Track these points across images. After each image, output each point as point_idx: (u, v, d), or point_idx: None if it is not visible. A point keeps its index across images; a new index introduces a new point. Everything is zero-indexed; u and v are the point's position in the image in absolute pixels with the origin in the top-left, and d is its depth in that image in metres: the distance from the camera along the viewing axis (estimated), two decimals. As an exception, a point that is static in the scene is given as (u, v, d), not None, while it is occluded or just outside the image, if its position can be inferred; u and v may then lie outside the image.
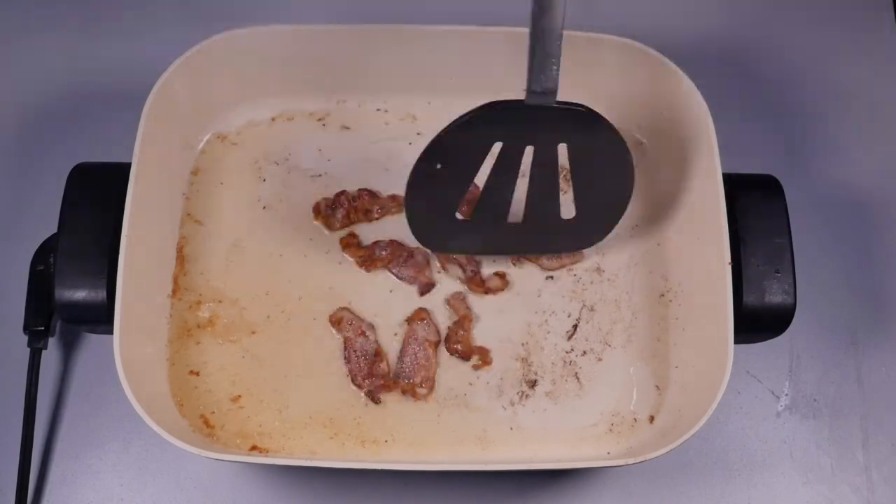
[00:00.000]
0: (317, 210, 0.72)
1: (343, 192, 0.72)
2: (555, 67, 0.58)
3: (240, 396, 0.67)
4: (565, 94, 0.75)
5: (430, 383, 0.68)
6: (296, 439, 0.66)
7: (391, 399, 0.68)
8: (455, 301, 0.70)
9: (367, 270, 0.70)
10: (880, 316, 0.77)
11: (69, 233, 0.64)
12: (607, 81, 0.73)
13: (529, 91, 0.59)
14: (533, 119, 0.60)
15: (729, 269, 0.63)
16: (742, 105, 0.82)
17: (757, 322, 0.65)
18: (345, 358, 0.68)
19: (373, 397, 0.67)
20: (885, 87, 0.84)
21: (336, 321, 0.69)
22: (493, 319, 0.70)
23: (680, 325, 0.69)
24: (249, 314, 0.69)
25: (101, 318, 0.63)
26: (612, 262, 0.72)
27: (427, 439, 0.67)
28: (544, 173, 0.64)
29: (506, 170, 0.64)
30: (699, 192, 0.68)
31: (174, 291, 0.69)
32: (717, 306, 0.63)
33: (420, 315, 0.69)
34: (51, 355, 0.73)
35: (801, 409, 0.74)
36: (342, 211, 0.71)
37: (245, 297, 0.70)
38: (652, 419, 0.67)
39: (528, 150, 0.63)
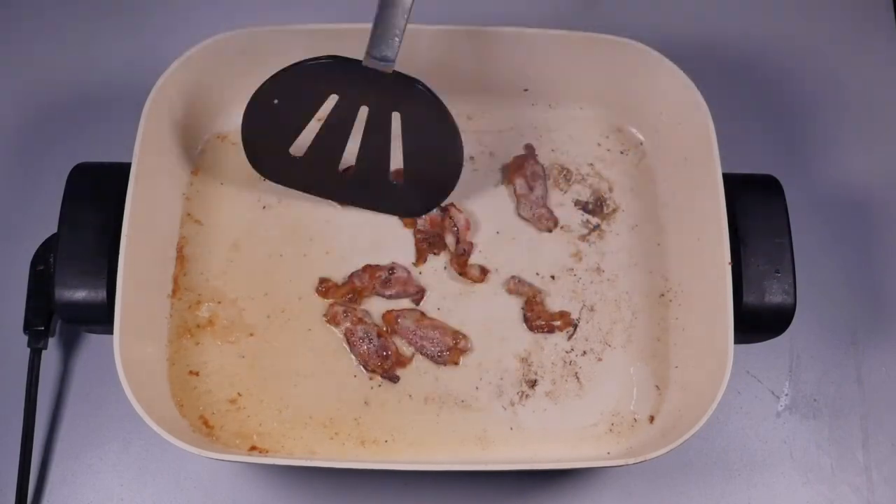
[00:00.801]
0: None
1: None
2: (397, 39, 0.61)
3: (239, 396, 0.67)
4: (566, 93, 0.75)
5: (459, 340, 0.68)
6: (296, 439, 0.66)
7: (391, 399, 0.68)
8: (515, 285, 0.70)
9: (359, 304, 0.70)
10: (880, 316, 0.77)
11: (69, 233, 0.64)
12: (607, 81, 0.73)
13: (368, 54, 0.62)
14: (368, 82, 0.63)
15: (729, 269, 0.63)
16: (742, 105, 0.82)
17: (757, 322, 0.65)
18: (351, 349, 0.68)
19: (390, 377, 0.67)
20: (885, 87, 0.84)
21: (332, 317, 0.69)
22: (493, 319, 0.70)
23: (680, 325, 0.69)
24: (249, 314, 0.69)
25: (101, 318, 0.63)
26: (612, 262, 0.72)
27: (427, 439, 0.67)
28: (376, 136, 0.67)
29: (339, 122, 0.67)
30: (699, 192, 0.68)
31: (174, 291, 0.69)
32: (717, 306, 0.63)
33: (388, 317, 0.69)
34: (51, 355, 0.73)
35: (801, 409, 0.74)
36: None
37: (245, 297, 0.70)
38: (652, 419, 0.67)
39: (364, 111, 0.66)
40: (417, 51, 0.71)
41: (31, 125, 0.81)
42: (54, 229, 0.65)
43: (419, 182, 0.70)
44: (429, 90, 0.64)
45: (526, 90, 0.75)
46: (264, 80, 0.65)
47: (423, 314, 0.69)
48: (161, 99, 0.67)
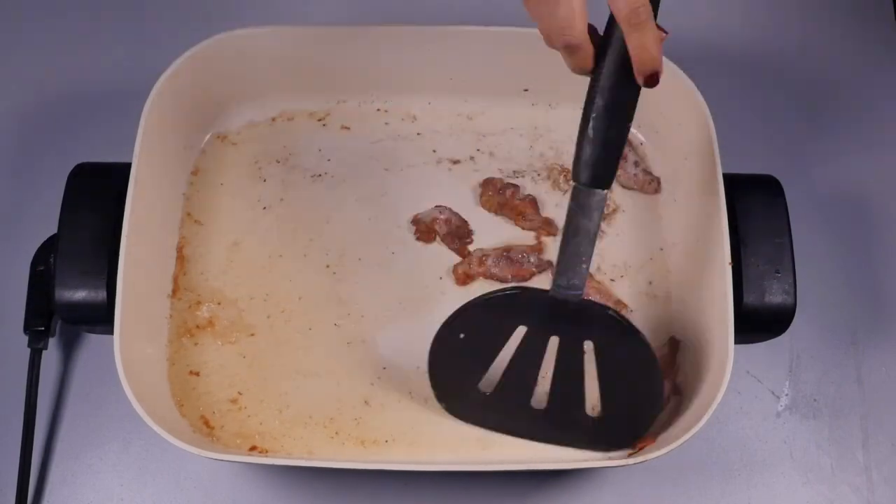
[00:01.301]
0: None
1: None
2: (584, 266, 0.58)
3: (240, 396, 0.67)
4: (566, 93, 0.75)
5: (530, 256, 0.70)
6: (296, 439, 0.66)
7: (391, 399, 0.68)
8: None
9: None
10: (880, 316, 0.77)
11: (69, 233, 0.64)
12: (607, 81, 0.73)
13: (555, 284, 0.59)
14: (558, 311, 0.60)
15: (729, 269, 0.63)
16: (742, 105, 0.82)
17: (757, 322, 0.65)
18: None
19: (543, 266, 0.69)
20: (885, 88, 0.84)
21: (464, 278, 0.70)
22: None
23: (680, 325, 0.69)
24: (249, 314, 0.69)
25: (101, 318, 0.63)
26: (613, 262, 0.72)
27: (427, 439, 0.67)
28: (568, 366, 0.63)
29: (529, 355, 0.63)
30: (699, 192, 0.68)
31: (174, 291, 0.69)
32: (717, 306, 0.63)
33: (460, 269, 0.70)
34: (51, 355, 0.73)
35: (801, 409, 0.74)
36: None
37: (245, 297, 0.70)
38: (652, 419, 0.67)
39: (554, 340, 0.63)
40: (418, 51, 0.72)
41: (31, 125, 0.81)
42: (54, 229, 0.65)
43: (617, 415, 0.65)
44: (621, 316, 0.61)
45: (526, 90, 0.75)
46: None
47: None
48: (161, 99, 0.67)
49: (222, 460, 0.66)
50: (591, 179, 0.55)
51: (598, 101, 0.54)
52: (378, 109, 0.75)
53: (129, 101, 0.68)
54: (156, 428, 0.59)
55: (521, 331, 0.62)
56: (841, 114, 0.83)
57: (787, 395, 0.74)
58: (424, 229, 0.71)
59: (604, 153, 0.55)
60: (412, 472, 0.71)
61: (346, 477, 0.71)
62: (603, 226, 0.72)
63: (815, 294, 0.75)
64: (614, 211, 0.73)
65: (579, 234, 0.57)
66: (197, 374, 0.68)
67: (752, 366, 0.75)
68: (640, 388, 0.63)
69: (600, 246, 0.72)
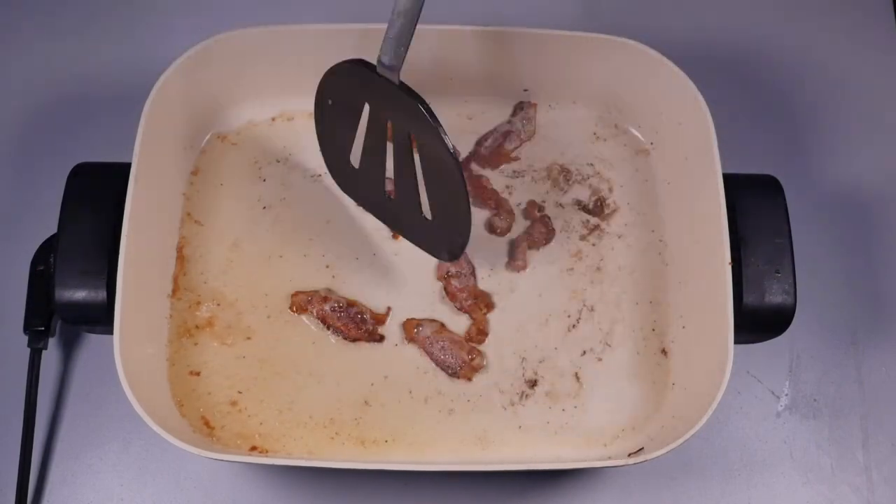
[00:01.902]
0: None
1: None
2: (403, 49, 0.59)
3: (240, 396, 0.67)
4: (566, 93, 0.75)
5: (474, 357, 0.68)
6: (296, 439, 0.66)
7: (391, 399, 0.68)
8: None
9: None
10: (880, 316, 0.77)
11: (69, 233, 0.64)
12: (607, 81, 0.73)
13: (378, 61, 0.59)
14: (384, 92, 0.60)
15: (729, 269, 0.63)
16: (742, 105, 0.82)
17: (757, 322, 0.65)
18: (329, 329, 0.68)
19: (375, 337, 0.68)
20: (885, 88, 0.84)
21: (298, 307, 0.69)
22: (493, 319, 0.70)
23: (680, 325, 0.69)
24: (249, 314, 0.69)
25: (101, 318, 0.63)
26: (612, 262, 0.72)
27: (427, 439, 0.67)
28: (402, 156, 0.63)
29: (373, 134, 0.64)
30: (699, 192, 0.68)
31: (174, 291, 0.69)
32: (717, 306, 0.63)
33: (409, 325, 0.69)
34: (51, 355, 0.73)
35: (801, 409, 0.74)
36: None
37: (245, 297, 0.70)
38: (652, 419, 0.67)
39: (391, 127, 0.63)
40: (418, 51, 0.71)
41: (31, 125, 0.81)
42: (54, 229, 0.65)
43: (445, 221, 0.64)
44: (426, 108, 0.59)
45: (526, 90, 0.75)
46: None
47: (443, 325, 0.69)
48: (161, 99, 0.67)
49: (222, 460, 0.66)
50: None
51: None
52: (378, 109, 0.75)
53: (129, 101, 0.68)
54: (156, 428, 0.59)
55: (367, 110, 0.63)
56: (841, 114, 0.83)
57: (787, 395, 0.74)
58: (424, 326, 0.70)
59: None
60: (412, 472, 0.71)
61: (346, 477, 0.71)
62: (603, 225, 0.73)
63: (815, 294, 0.75)
64: (614, 211, 0.73)
65: (403, 16, 0.58)
66: (197, 374, 0.68)
67: (752, 366, 0.75)
68: (449, 198, 0.62)
69: (600, 246, 0.72)
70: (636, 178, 0.74)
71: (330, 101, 0.65)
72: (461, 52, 0.72)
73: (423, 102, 0.59)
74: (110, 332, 0.62)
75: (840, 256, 0.78)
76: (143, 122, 0.66)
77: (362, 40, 0.71)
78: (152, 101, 0.66)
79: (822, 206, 0.79)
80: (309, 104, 0.75)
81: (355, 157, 0.66)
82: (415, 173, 0.63)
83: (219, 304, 0.69)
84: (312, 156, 0.74)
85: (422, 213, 0.65)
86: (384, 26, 0.71)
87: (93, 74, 0.82)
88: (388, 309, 0.69)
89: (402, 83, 0.59)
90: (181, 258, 0.70)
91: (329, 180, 0.73)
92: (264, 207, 0.73)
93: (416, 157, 0.62)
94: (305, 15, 0.84)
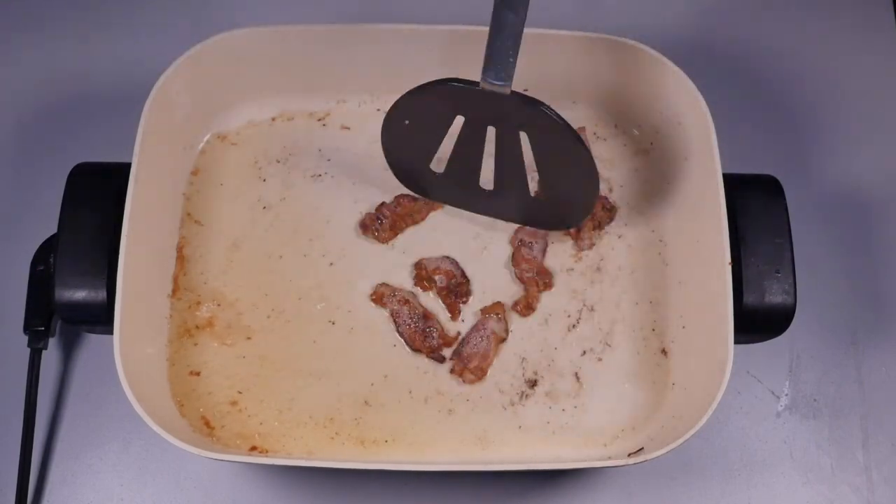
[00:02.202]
0: (364, 226, 0.71)
1: (383, 204, 0.72)
2: (512, 60, 0.61)
3: (240, 396, 0.67)
4: (566, 93, 0.75)
5: (481, 373, 0.68)
6: (296, 439, 0.66)
7: (391, 399, 0.68)
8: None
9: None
10: (880, 316, 0.77)
11: (69, 233, 0.64)
12: (607, 81, 0.73)
13: (484, 77, 0.61)
14: (488, 104, 0.63)
15: (729, 269, 0.63)
16: (742, 105, 0.82)
17: (757, 322, 0.65)
18: (397, 330, 0.69)
19: (437, 357, 0.68)
20: (885, 88, 0.84)
21: (378, 297, 0.69)
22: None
23: (680, 325, 0.69)
24: (249, 314, 0.69)
25: (101, 318, 0.63)
26: (612, 262, 0.72)
27: (427, 439, 0.67)
28: (507, 156, 0.66)
29: (469, 142, 0.66)
30: (699, 192, 0.68)
31: (174, 292, 0.69)
32: (717, 306, 0.63)
33: (496, 308, 0.69)
34: (51, 355, 0.73)
35: (801, 409, 0.74)
36: (388, 221, 0.71)
37: (245, 297, 0.70)
38: (652, 419, 0.67)
39: (491, 130, 0.66)
40: (418, 51, 0.72)
41: (31, 125, 0.81)
42: (54, 229, 0.65)
43: (560, 199, 0.69)
44: (551, 110, 0.62)
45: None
46: (392, 103, 0.66)
47: (413, 296, 0.70)
48: (161, 99, 0.67)
49: (222, 460, 0.66)
50: None
51: None
52: (378, 109, 0.75)
53: (129, 101, 0.68)
54: (156, 428, 0.59)
55: (459, 120, 0.66)
56: (841, 114, 0.83)
57: (787, 395, 0.74)
58: (424, 276, 0.70)
59: None
60: (412, 472, 0.71)
61: (346, 477, 0.71)
62: (602, 225, 0.73)
63: (815, 294, 0.75)
64: (614, 211, 0.73)
65: (505, 29, 0.60)
66: (197, 374, 0.68)
67: (752, 366, 0.75)
68: (574, 177, 0.66)
69: (600, 246, 0.72)
70: (636, 178, 0.74)
71: (406, 122, 0.66)
72: (462, 52, 0.72)
73: (544, 104, 0.63)
74: (110, 332, 0.62)
75: (840, 256, 0.78)
76: (143, 122, 0.66)
77: (362, 40, 0.71)
78: (152, 101, 0.66)
79: (822, 206, 0.79)
80: (309, 104, 0.75)
81: (438, 163, 0.69)
82: (523, 166, 0.67)
83: (219, 304, 0.70)
84: (312, 156, 0.74)
85: (531, 196, 0.69)
86: (385, 26, 0.71)
87: (93, 74, 0.82)
88: (458, 334, 0.69)
89: (513, 92, 0.62)
90: (181, 258, 0.70)
91: (329, 180, 0.73)
92: (264, 207, 0.73)
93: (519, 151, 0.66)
94: (305, 15, 0.84)
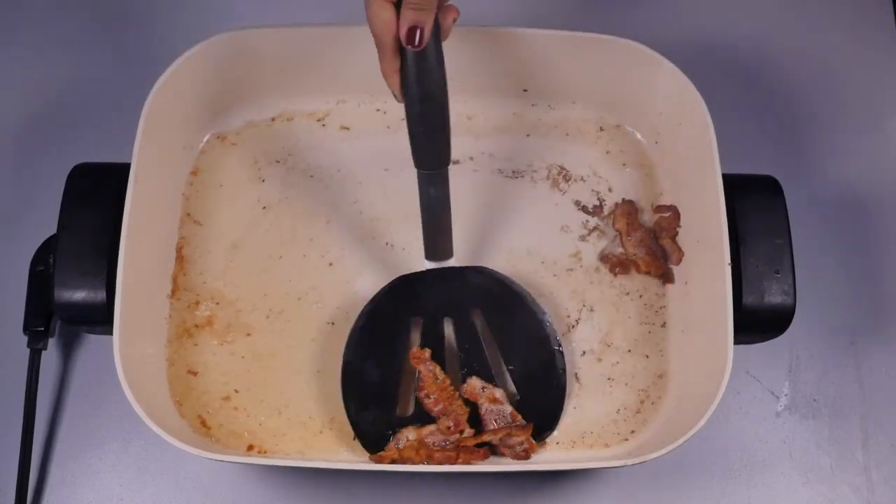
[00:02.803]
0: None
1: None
2: (448, 234, 0.65)
3: (239, 397, 0.67)
4: (566, 93, 0.75)
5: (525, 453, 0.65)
6: (295, 439, 0.66)
7: (391, 399, 0.68)
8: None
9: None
10: (880, 316, 0.77)
11: (69, 233, 0.64)
12: (607, 81, 0.73)
13: (427, 256, 0.67)
14: (439, 284, 0.67)
15: (729, 269, 0.63)
16: (742, 105, 0.82)
17: (757, 322, 0.65)
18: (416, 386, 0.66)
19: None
20: (885, 88, 0.84)
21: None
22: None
23: (680, 326, 0.69)
24: (248, 314, 0.69)
25: (100, 318, 0.63)
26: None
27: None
28: (469, 346, 0.66)
29: (430, 347, 0.66)
30: (699, 192, 0.68)
31: (173, 292, 0.69)
32: (717, 306, 0.63)
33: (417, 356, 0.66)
34: (51, 356, 0.73)
35: (801, 409, 0.74)
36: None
37: (244, 297, 0.70)
38: (652, 419, 0.67)
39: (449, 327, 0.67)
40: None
41: (31, 125, 0.81)
42: (54, 229, 0.65)
43: (531, 392, 0.66)
44: (493, 272, 0.66)
45: (526, 90, 0.75)
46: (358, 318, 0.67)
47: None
48: (161, 99, 0.67)
49: (222, 460, 0.66)
50: (432, 166, 0.61)
51: (412, 99, 0.57)
52: (378, 109, 0.75)
53: (129, 101, 0.68)
54: (155, 428, 0.59)
55: (416, 332, 0.66)
56: (841, 114, 0.83)
57: (786, 395, 0.74)
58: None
59: (432, 142, 0.60)
60: (412, 473, 0.71)
61: (346, 477, 0.71)
62: (602, 226, 0.72)
63: (815, 294, 0.75)
64: (614, 212, 0.73)
65: (435, 206, 0.63)
66: (196, 374, 0.68)
67: (752, 366, 0.75)
68: (537, 352, 0.66)
69: (600, 246, 0.72)
70: (636, 179, 0.74)
71: (365, 361, 0.66)
72: (461, 52, 0.72)
73: (488, 269, 0.67)
74: (110, 332, 0.62)
75: (840, 256, 0.78)
76: (143, 122, 0.66)
77: (362, 40, 0.71)
78: (152, 101, 0.66)
79: (822, 206, 0.79)
80: (309, 104, 0.75)
81: (403, 407, 0.66)
82: (484, 354, 0.66)
83: (218, 304, 0.70)
84: (312, 156, 0.74)
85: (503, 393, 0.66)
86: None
87: (93, 74, 0.82)
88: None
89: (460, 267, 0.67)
90: (181, 258, 0.70)
91: (329, 180, 0.73)
92: (264, 207, 0.73)
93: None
94: (305, 15, 0.84)
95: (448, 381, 0.65)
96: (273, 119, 0.75)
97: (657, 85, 0.71)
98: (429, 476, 0.72)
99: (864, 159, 0.81)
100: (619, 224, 0.71)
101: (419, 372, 0.65)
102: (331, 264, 0.71)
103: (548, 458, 0.66)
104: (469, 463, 0.63)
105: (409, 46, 0.54)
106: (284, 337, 0.69)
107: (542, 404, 0.66)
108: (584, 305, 0.70)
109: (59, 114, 0.81)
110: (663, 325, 0.70)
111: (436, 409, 0.64)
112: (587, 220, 0.73)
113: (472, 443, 0.63)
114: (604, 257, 0.71)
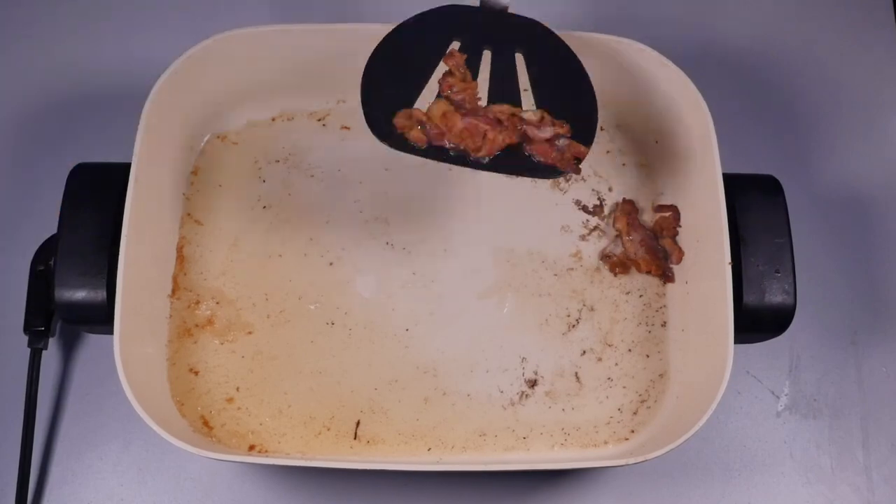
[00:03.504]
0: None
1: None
2: None
3: (240, 396, 0.67)
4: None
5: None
6: (296, 439, 0.66)
7: (391, 399, 0.68)
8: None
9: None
10: (880, 316, 0.77)
11: (69, 233, 0.64)
12: (607, 81, 0.73)
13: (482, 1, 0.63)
14: (487, 23, 0.63)
15: (729, 269, 0.63)
16: (742, 105, 0.82)
17: (757, 322, 0.65)
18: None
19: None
20: (885, 88, 0.84)
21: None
22: (492, 319, 0.70)
23: (680, 325, 0.69)
24: (249, 314, 0.69)
25: (101, 318, 0.63)
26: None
27: (427, 439, 0.67)
28: (503, 79, 0.63)
29: (466, 70, 0.63)
30: (699, 192, 0.68)
31: (174, 291, 0.69)
32: (717, 306, 0.63)
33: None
34: (51, 355, 0.73)
35: (801, 409, 0.74)
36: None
37: (244, 297, 0.70)
38: (652, 419, 0.67)
39: (486, 56, 0.64)
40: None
41: (31, 125, 0.81)
42: (54, 229, 0.65)
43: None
44: (547, 28, 0.63)
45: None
46: (379, 42, 0.63)
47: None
48: (161, 99, 0.67)
49: (222, 460, 0.66)
50: None
51: None
52: (378, 109, 0.75)
53: (129, 101, 0.68)
54: (156, 428, 0.59)
55: (454, 46, 0.63)
56: (841, 114, 0.83)
57: (787, 395, 0.74)
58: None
59: None
60: (411, 473, 0.71)
61: (346, 477, 0.71)
62: (602, 226, 0.73)
63: (815, 294, 0.75)
64: (614, 211, 0.73)
65: None
66: (197, 373, 0.68)
67: (752, 366, 0.75)
68: (572, 99, 0.63)
69: (600, 246, 0.72)
70: (636, 178, 0.74)
71: (393, 58, 0.62)
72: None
73: (541, 23, 0.64)
74: (110, 332, 0.62)
75: (840, 256, 0.78)
76: (143, 122, 0.66)
77: (362, 40, 0.71)
78: (152, 101, 0.66)
79: (822, 206, 0.79)
80: (309, 104, 0.75)
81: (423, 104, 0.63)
82: (516, 93, 0.63)
83: (218, 303, 0.70)
84: (312, 156, 0.74)
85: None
86: (385, 26, 0.71)
87: (93, 74, 0.82)
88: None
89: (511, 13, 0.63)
90: (181, 258, 0.70)
91: (329, 180, 0.73)
92: (264, 207, 0.73)
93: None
94: (305, 15, 0.84)
95: (476, 87, 0.63)
96: (273, 119, 0.75)
97: (657, 85, 0.71)
98: (429, 476, 0.72)
99: (864, 159, 0.82)
100: (619, 224, 0.71)
101: (448, 69, 0.63)
102: (331, 264, 0.71)
103: (548, 457, 0.66)
104: (495, 142, 0.60)
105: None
106: (285, 336, 0.69)
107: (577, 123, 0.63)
108: (584, 305, 0.70)
109: (59, 114, 0.81)
110: (664, 325, 0.70)
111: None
112: (587, 220, 0.73)
113: (507, 113, 0.61)
114: (604, 257, 0.71)
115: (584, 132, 0.63)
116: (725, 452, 0.73)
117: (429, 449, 0.67)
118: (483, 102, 0.63)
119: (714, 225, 0.65)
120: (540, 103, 0.63)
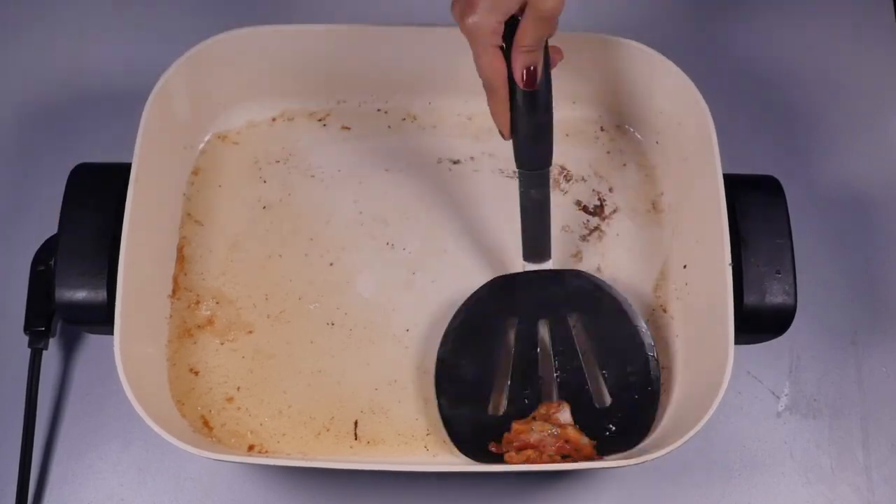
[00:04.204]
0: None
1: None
2: (547, 235, 0.66)
3: (240, 396, 0.67)
4: (565, 93, 0.75)
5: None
6: (296, 439, 0.66)
7: (391, 399, 0.68)
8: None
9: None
10: (880, 316, 0.77)
11: (69, 233, 0.64)
12: (607, 81, 0.73)
13: (525, 258, 0.67)
14: (534, 287, 0.67)
15: (729, 269, 0.63)
16: (742, 105, 0.82)
17: (757, 322, 0.65)
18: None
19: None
20: (886, 87, 0.84)
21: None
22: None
23: (680, 326, 0.69)
24: (249, 314, 0.69)
25: (101, 318, 0.63)
26: (612, 262, 0.72)
27: (427, 439, 0.67)
28: (563, 347, 0.66)
29: (526, 352, 0.66)
30: (699, 192, 0.68)
31: (174, 291, 0.69)
32: (717, 306, 0.63)
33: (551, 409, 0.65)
34: (51, 355, 0.73)
35: (801, 409, 0.74)
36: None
37: (244, 297, 0.70)
38: (652, 419, 0.67)
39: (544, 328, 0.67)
40: (418, 51, 0.72)
41: (31, 125, 0.81)
42: (54, 229, 0.65)
43: (623, 399, 0.65)
44: (591, 276, 0.66)
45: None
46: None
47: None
48: (161, 99, 0.67)
49: (222, 460, 0.66)
50: (533, 166, 0.62)
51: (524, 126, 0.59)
52: (378, 109, 0.75)
53: (129, 101, 0.68)
54: (156, 428, 0.59)
55: (511, 332, 0.66)
56: (841, 114, 0.83)
57: (787, 395, 0.74)
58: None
59: (539, 142, 0.61)
60: (411, 473, 0.71)
61: (346, 477, 0.71)
62: (602, 226, 0.73)
63: (815, 294, 0.75)
64: (614, 211, 0.73)
65: (535, 206, 0.64)
66: (197, 373, 0.68)
67: (752, 366, 0.75)
68: (631, 355, 0.66)
69: (600, 246, 0.72)
70: (636, 179, 0.74)
71: (462, 361, 0.66)
72: (462, 52, 0.72)
73: (584, 273, 0.68)
74: (110, 332, 0.62)
75: (840, 256, 0.78)
76: (143, 122, 0.66)
77: (362, 40, 0.71)
78: (152, 101, 0.66)
79: (822, 206, 0.79)
80: (309, 104, 0.75)
81: (495, 405, 0.66)
82: (577, 360, 0.66)
83: (218, 303, 0.70)
84: (312, 156, 0.74)
85: (594, 403, 0.65)
86: (385, 26, 0.71)
87: (93, 74, 0.82)
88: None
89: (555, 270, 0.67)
90: (181, 258, 0.70)
91: (329, 180, 0.73)
92: (264, 207, 0.73)
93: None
94: (305, 15, 0.84)
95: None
96: (273, 119, 0.75)
97: (658, 85, 0.71)
98: (429, 476, 0.72)
99: (864, 159, 0.82)
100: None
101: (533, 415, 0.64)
102: (331, 264, 0.71)
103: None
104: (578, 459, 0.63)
105: (526, 87, 0.56)
106: (285, 336, 0.69)
107: (633, 413, 0.65)
108: (584, 305, 0.70)
109: (59, 114, 0.81)
110: (663, 326, 0.70)
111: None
112: (588, 220, 0.73)
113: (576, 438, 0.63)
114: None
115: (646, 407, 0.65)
116: (725, 452, 0.73)
117: (428, 449, 0.67)
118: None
119: (714, 225, 0.65)
120: (602, 367, 0.66)
